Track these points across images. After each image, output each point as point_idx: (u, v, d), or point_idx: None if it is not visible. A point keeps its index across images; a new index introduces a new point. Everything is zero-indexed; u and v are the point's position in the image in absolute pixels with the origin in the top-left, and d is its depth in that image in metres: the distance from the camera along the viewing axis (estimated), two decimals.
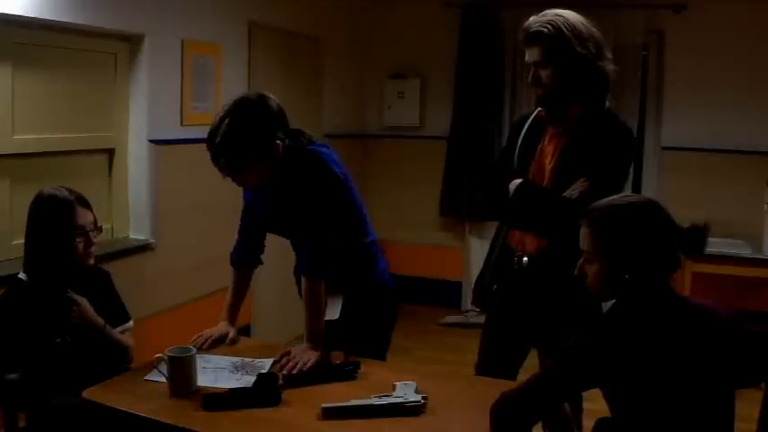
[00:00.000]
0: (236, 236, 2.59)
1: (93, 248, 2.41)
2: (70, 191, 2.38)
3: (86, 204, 2.40)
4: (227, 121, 2.16)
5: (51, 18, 3.05)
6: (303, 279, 2.34)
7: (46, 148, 3.24)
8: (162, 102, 3.71)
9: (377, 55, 5.79)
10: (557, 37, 2.28)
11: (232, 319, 2.55)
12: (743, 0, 4.79)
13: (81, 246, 2.35)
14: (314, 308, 2.32)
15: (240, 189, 2.50)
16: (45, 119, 3.24)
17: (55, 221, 2.31)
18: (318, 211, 2.29)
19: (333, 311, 2.39)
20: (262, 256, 2.60)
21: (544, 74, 2.33)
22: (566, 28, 2.28)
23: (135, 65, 3.62)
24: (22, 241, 2.40)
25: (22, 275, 2.37)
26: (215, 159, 2.20)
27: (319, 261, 2.30)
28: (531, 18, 2.35)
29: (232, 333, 2.49)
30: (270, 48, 4.47)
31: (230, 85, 4.17)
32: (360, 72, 5.72)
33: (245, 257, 2.57)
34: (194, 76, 3.90)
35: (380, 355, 2.50)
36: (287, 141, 2.27)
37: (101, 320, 2.35)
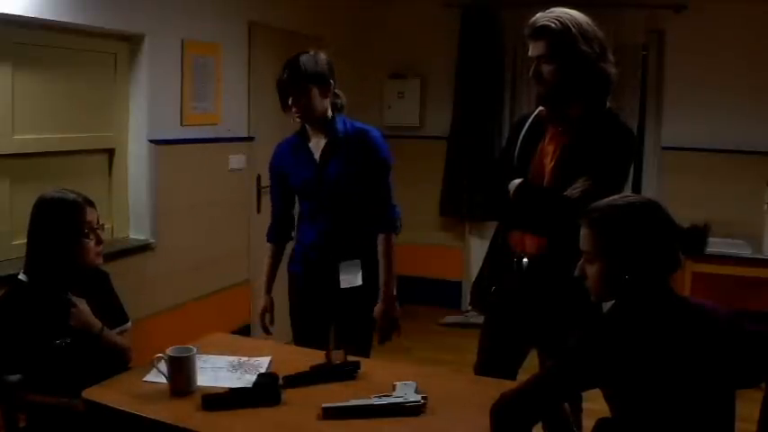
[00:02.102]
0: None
1: (101, 247, 2.40)
2: (75, 192, 2.38)
3: (91, 203, 2.40)
4: (313, 52, 2.68)
5: (51, 18, 3.05)
6: (387, 236, 2.74)
7: (46, 148, 3.24)
8: (162, 102, 3.71)
9: (377, 55, 5.79)
10: (563, 33, 2.29)
11: (269, 289, 2.95)
12: (743, 0, 4.79)
13: (92, 244, 2.34)
14: (395, 263, 2.72)
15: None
16: (45, 119, 3.24)
17: (66, 223, 2.29)
18: (388, 182, 2.78)
19: (356, 278, 2.69)
20: (292, 233, 2.95)
21: (546, 69, 2.34)
22: (572, 25, 2.29)
23: (135, 65, 3.62)
24: (23, 241, 2.38)
25: (22, 276, 2.36)
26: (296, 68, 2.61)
27: (397, 218, 2.81)
28: (539, 14, 2.36)
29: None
30: (270, 48, 4.46)
31: (230, 85, 4.17)
32: (359, 72, 5.71)
33: (280, 234, 2.96)
34: (194, 76, 3.90)
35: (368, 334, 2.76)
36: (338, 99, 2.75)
37: (98, 323, 2.34)
